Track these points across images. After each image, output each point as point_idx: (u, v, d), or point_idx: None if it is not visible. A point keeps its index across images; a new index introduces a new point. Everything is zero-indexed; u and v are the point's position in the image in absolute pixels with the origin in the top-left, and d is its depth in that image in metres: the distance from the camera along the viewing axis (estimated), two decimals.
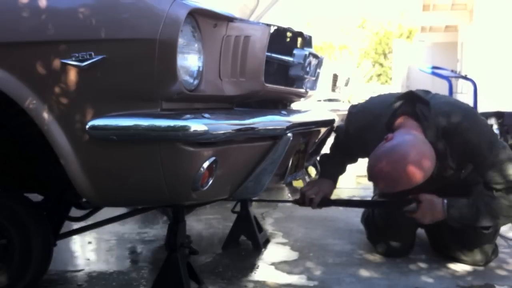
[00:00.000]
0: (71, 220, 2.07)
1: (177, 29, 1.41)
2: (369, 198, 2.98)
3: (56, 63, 1.46)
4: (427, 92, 2.21)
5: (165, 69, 1.42)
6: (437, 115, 2.06)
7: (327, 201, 2.31)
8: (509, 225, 2.65)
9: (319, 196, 2.26)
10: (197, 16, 1.49)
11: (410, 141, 1.96)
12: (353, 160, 2.49)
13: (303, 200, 2.28)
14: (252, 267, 2.23)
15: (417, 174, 1.92)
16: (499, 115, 4.58)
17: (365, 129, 2.20)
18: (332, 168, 2.40)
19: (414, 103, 2.10)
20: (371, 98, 2.38)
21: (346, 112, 2.40)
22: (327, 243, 2.58)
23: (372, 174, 2.00)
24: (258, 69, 1.66)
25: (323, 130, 2.34)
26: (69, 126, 1.48)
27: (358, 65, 17.97)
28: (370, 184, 3.04)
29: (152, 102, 1.45)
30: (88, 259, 2.35)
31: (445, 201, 2.08)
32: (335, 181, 2.38)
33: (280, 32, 2.08)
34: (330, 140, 2.57)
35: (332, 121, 2.38)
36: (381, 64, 23.90)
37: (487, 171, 2.04)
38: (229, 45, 1.60)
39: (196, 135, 1.42)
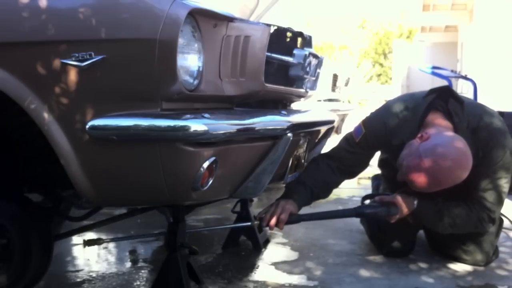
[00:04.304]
0: (71, 220, 2.07)
1: (177, 29, 1.41)
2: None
3: (56, 63, 1.46)
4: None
5: (165, 69, 1.42)
6: (468, 116, 2.06)
7: (296, 217, 2.06)
8: (509, 224, 2.64)
9: (286, 213, 2.03)
10: (197, 16, 1.49)
11: (452, 140, 1.94)
12: (349, 175, 2.32)
13: (268, 219, 2.02)
14: (252, 267, 2.23)
15: (463, 174, 1.93)
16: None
17: (397, 123, 2.13)
18: (302, 192, 2.16)
19: (447, 99, 2.09)
20: (405, 94, 2.33)
21: (346, 112, 2.38)
22: (327, 243, 2.58)
23: (410, 174, 1.95)
24: (258, 69, 1.66)
25: (323, 130, 2.34)
26: (69, 126, 1.48)
27: (358, 65, 17.98)
28: (370, 184, 3.04)
29: (152, 102, 1.45)
30: (88, 259, 2.35)
31: (415, 202, 2.08)
32: (299, 205, 2.13)
33: (280, 32, 2.08)
34: (331, 140, 2.56)
35: (332, 121, 2.38)
36: (381, 64, 23.92)
37: (482, 178, 2.07)
38: (229, 45, 1.60)
39: (196, 135, 1.42)
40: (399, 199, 2.08)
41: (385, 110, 2.20)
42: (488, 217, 2.11)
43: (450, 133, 2.00)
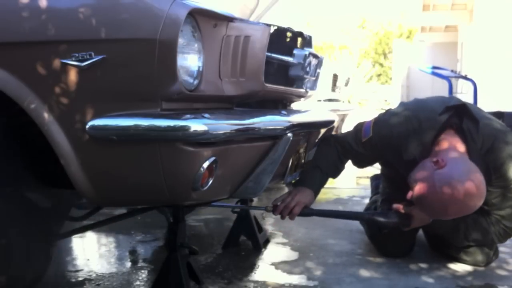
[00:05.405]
0: (71, 220, 2.07)
1: (177, 29, 1.41)
2: (368, 199, 2.98)
3: (56, 63, 1.46)
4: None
5: (165, 69, 1.42)
6: (482, 136, 2.03)
7: (309, 211, 2.11)
8: None
9: (299, 206, 2.08)
10: (197, 16, 1.49)
11: (468, 172, 1.89)
12: (361, 166, 2.35)
13: (282, 209, 2.07)
14: (252, 267, 2.24)
15: (476, 205, 1.91)
16: (499, 115, 4.58)
17: (405, 134, 2.08)
18: (319, 178, 2.21)
19: (462, 117, 2.05)
20: (418, 102, 2.24)
21: (346, 112, 2.37)
22: (327, 243, 2.58)
23: (421, 201, 1.93)
24: (258, 69, 1.66)
25: (323, 130, 2.34)
26: (69, 126, 1.48)
27: (358, 65, 17.99)
28: (369, 184, 3.04)
29: (152, 102, 1.45)
30: (88, 259, 2.35)
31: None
32: (316, 193, 2.19)
33: (280, 32, 2.08)
34: None
35: (332, 121, 2.37)
36: (381, 64, 23.92)
37: (497, 198, 2.06)
38: (229, 45, 1.60)
39: (196, 135, 1.42)
40: (416, 211, 2.06)
41: (396, 118, 2.14)
42: (504, 232, 2.11)
43: (466, 162, 1.95)
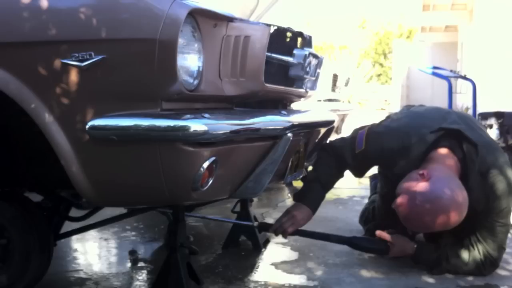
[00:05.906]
0: (71, 220, 2.07)
1: (177, 29, 1.41)
2: (367, 198, 2.97)
3: (56, 63, 1.46)
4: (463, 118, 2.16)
5: (165, 69, 1.42)
6: (480, 158, 2.04)
7: (299, 232, 2.17)
8: None
9: (294, 227, 2.12)
10: (197, 16, 1.49)
11: (449, 188, 1.92)
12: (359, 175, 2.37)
13: (275, 228, 2.14)
14: (252, 267, 2.24)
15: (452, 223, 1.94)
16: (499, 115, 4.59)
17: (396, 150, 2.10)
18: (319, 193, 2.23)
19: (459, 139, 2.06)
20: (413, 115, 2.23)
21: (346, 112, 2.37)
22: (327, 243, 2.57)
23: (401, 212, 1.98)
24: (258, 69, 1.66)
25: (323, 130, 2.34)
26: (69, 126, 1.48)
27: (358, 65, 17.99)
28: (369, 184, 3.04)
29: (152, 102, 1.45)
30: (88, 259, 2.35)
31: (415, 246, 2.14)
32: (315, 210, 2.22)
33: (280, 32, 2.08)
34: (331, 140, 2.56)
35: (332, 121, 2.37)
36: (381, 64, 23.92)
37: (487, 224, 2.07)
38: (229, 45, 1.60)
39: (196, 135, 1.42)
40: (398, 241, 2.12)
41: (388, 134, 2.15)
42: (490, 263, 2.11)
43: (451, 178, 1.97)
